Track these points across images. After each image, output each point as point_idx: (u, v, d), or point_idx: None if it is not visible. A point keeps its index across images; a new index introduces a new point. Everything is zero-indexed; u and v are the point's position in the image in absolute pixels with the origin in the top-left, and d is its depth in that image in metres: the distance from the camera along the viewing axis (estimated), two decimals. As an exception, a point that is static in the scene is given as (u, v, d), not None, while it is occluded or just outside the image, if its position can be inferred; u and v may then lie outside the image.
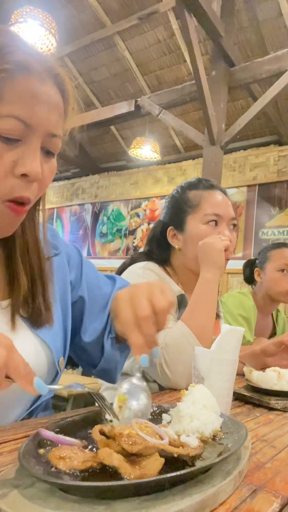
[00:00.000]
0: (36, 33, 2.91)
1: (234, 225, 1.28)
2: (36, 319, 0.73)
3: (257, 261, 2.01)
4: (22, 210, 0.65)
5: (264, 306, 1.93)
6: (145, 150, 4.89)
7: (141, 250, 1.37)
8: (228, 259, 1.19)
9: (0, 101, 0.58)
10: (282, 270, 1.85)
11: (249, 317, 1.81)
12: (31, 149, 0.61)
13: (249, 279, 2.05)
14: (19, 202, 0.64)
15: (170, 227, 1.28)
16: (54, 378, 0.78)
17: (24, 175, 0.61)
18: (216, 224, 1.23)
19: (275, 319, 2.06)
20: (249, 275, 2.05)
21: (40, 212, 0.75)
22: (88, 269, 0.92)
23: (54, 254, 0.81)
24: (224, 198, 1.27)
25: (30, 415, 0.75)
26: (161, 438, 0.47)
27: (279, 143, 4.92)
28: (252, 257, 2.30)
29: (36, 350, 0.74)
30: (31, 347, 0.73)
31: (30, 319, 0.73)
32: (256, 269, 1.96)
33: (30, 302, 0.72)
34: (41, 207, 0.74)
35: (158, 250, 1.30)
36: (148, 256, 1.30)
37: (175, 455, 0.44)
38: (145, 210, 5.91)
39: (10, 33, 0.63)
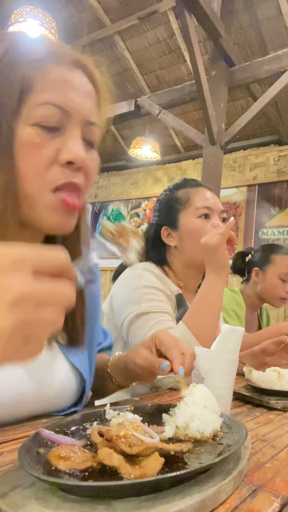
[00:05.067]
0: (36, 33, 2.91)
1: (224, 219, 1.29)
2: (71, 343, 0.73)
3: (251, 256, 2.00)
4: (75, 203, 0.61)
5: (252, 303, 1.96)
6: (145, 150, 4.89)
7: None
8: (234, 247, 1.22)
9: (34, 90, 0.58)
10: (283, 280, 1.86)
11: (241, 314, 1.86)
12: (72, 136, 0.60)
13: (241, 271, 2.06)
14: (70, 193, 0.61)
15: (164, 227, 1.30)
16: (80, 402, 0.78)
17: (69, 163, 0.59)
18: (208, 217, 1.26)
19: (259, 315, 2.10)
20: (240, 266, 2.06)
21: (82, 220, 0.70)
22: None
23: (91, 280, 0.79)
24: (212, 193, 1.31)
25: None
26: (151, 437, 0.47)
27: (279, 143, 4.92)
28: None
29: (68, 376, 0.74)
30: (64, 372, 0.73)
31: (65, 344, 0.73)
32: (255, 268, 1.94)
33: (69, 325, 0.72)
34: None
35: (154, 251, 1.32)
36: (145, 257, 1.31)
37: (172, 453, 0.45)
38: (145, 210, 5.90)
39: (34, 34, 0.66)
